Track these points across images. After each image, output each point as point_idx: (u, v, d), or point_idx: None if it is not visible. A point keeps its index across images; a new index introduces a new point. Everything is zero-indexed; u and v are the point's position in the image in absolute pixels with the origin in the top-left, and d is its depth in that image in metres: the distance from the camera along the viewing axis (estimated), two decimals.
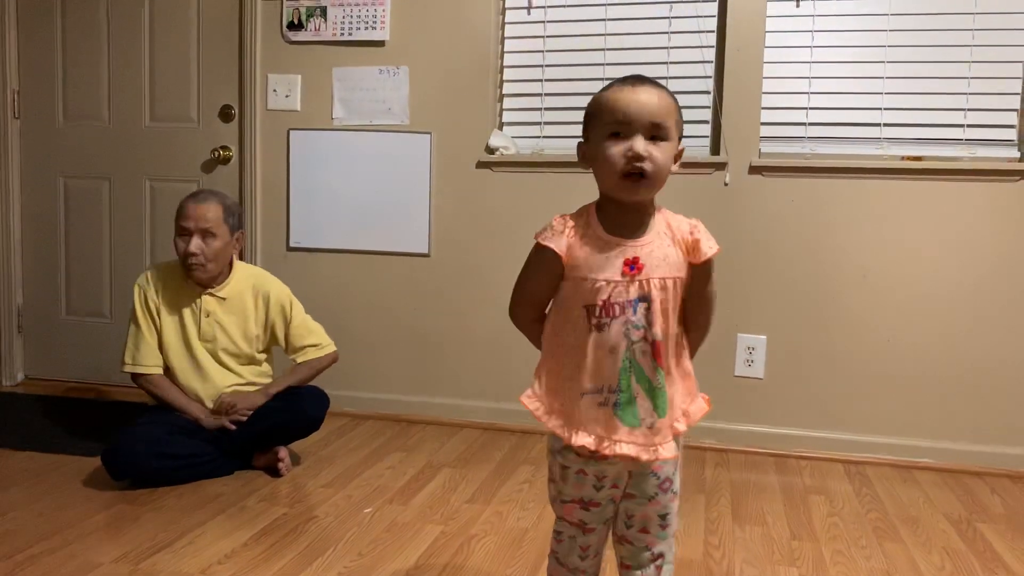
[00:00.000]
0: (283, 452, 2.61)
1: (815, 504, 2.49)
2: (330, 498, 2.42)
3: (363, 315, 3.33)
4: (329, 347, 2.79)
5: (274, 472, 2.60)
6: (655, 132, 1.30)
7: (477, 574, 1.97)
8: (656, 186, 1.32)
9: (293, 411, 2.62)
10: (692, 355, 1.43)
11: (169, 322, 2.65)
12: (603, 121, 1.32)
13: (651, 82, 1.33)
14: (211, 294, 2.66)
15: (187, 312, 2.65)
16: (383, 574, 1.95)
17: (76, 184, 3.60)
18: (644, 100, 1.30)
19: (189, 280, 2.64)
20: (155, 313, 2.64)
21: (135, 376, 2.65)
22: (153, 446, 2.43)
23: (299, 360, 2.75)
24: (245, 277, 2.73)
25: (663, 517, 1.42)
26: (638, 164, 1.28)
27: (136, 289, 2.66)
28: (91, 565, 1.95)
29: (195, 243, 2.55)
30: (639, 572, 1.45)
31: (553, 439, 1.42)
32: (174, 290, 2.66)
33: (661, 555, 1.44)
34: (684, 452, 1.46)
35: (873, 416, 2.92)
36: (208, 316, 2.65)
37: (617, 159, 1.29)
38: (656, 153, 1.29)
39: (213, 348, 2.66)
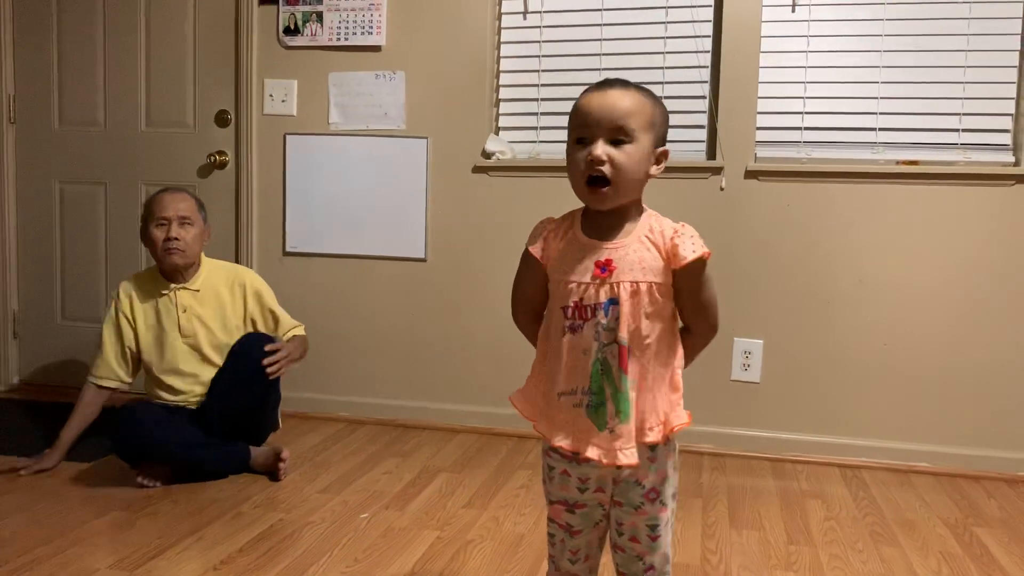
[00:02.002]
0: (285, 452, 2.62)
1: (812, 508, 2.49)
2: (326, 503, 2.42)
3: (359, 320, 3.33)
4: (299, 328, 2.86)
5: (274, 475, 2.60)
6: (617, 135, 1.28)
7: None
8: (621, 191, 1.30)
9: (244, 361, 2.64)
10: (689, 361, 1.42)
11: (147, 327, 2.69)
12: (571, 127, 1.33)
13: (622, 84, 1.32)
14: (184, 287, 2.69)
15: (164, 312, 2.69)
16: None
17: (72, 189, 3.60)
18: (606, 103, 1.28)
19: (161, 280, 2.70)
20: (131, 322, 2.69)
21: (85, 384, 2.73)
22: (157, 419, 2.51)
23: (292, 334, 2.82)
24: (215, 269, 2.78)
25: (652, 528, 1.40)
26: (598, 168, 1.27)
27: (110, 304, 2.73)
28: (87, 571, 1.94)
29: (175, 229, 2.63)
30: None
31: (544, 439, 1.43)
32: (148, 294, 2.71)
33: (653, 566, 1.42)
34: (680, 458, 1.45)
35: (870, 420, 2.92)
36: (185, 311, 2.68)
37: (579, 165, 1.29)
38: (618, 156, 1.28)
39: (195, 343, 2.68)
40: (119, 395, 2.82)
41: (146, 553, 2.05)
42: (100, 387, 2.70)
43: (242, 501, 2.42)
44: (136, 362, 2.74)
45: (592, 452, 1.32)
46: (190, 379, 2.68)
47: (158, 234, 2.63)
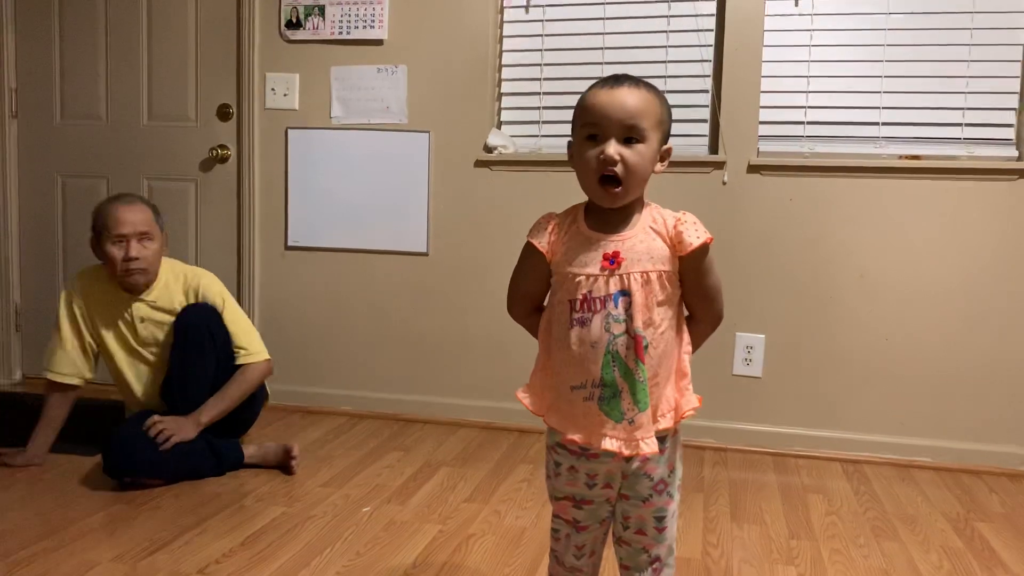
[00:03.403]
0: (296, 450, 2.61)
1: (813, 503, 2.49)
2: (328, 497, 2.42)
3: (361, 314, 3.33)
4: (260, 355, 2.66)
5: (287, 470, 2.60)
6: (629, 134, 1.29)
7: (475, 573, 1.97)
8: (631, 190, 1.31)
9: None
10: (696, 348, 1.42)
11: (107, 330, 2.62)
12: (580, 123, 1.33)
13: (631, 81, 1.32)
14: (141, 300, 2.61)
15: (123, 323, 2.62)
16: (381, 573, 1.95)
17: (74, 183, 3.60)
18: (618, 102, 1.29)
19: (118, 290, 2.60)
20: (87, 323, 2.62)
21: (47, 382, 2.63)
22: (150, 440, 2.42)
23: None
24: (174, 276, 2.67)
25: (659, 519, 1.41)
26: (611, 168, 1.28)
27: (63, 297, 2.62)
28: (89, 564, 1.94)
29: (135, 248, 2.51)
30: (638, 575, 1.44)
31: (549, 434, 1.43)
32: (104, 298, 2.62)
33: (659, 558, 1.43)
34: (683, 451, 1.46)
35: (871, 415, 2.92)
36: (143, 321, 2.61)
37: (591, 163, 1.30)
38: (630, 156, 1.29)
39: (157, 351, 2.63)
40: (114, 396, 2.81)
41: (148, 547, 2.05)
42: (65, 385, 2.61)
43: (244, 495, 2.42)
44: (96, 356, 2.67)
45: (610, 444, 1.32)
46: (157, 385, 2.64)
47: (116, 252, 2.50)
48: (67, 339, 2.62)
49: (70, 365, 2.61)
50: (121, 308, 2.62)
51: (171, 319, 2.61)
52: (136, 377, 2.66)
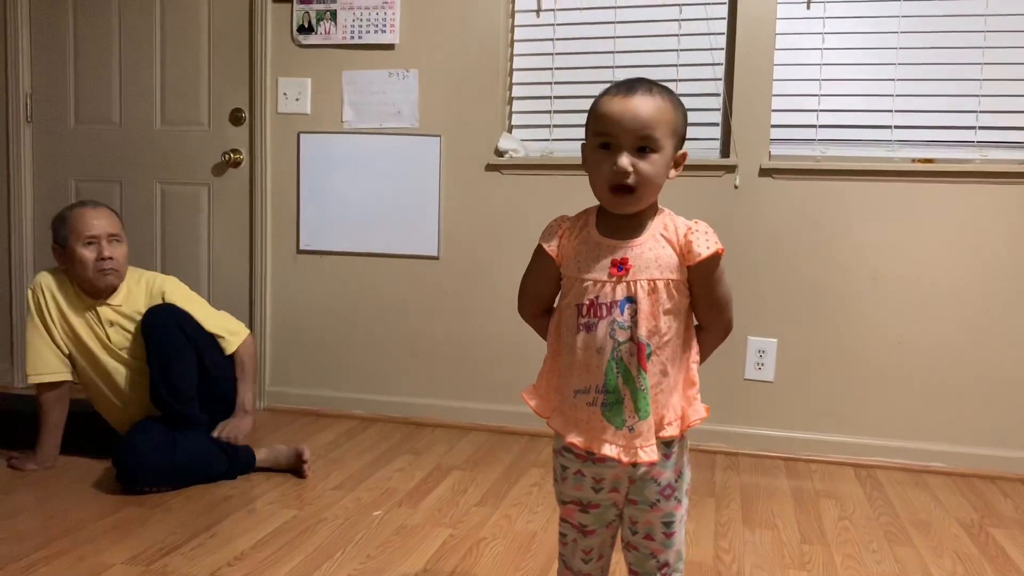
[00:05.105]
0: (307, 453, 2.62)
1: (825, 508, 2.48)
2: (339, 501, 2.43)
3: (372, 317, 3.34)
4: (243, 331, 2.77)
5: (299, 473, 2.61)
6: (643, 144, 1.28)
7: None
8: (644, 198, 1.31)
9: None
10: (704, 357, 1.42)
11: (80, 333, 2.62)
12: (593, 131, 1.32)
13: (645, 88, 1.30)
14: (107, 304, 2.63)
15: (91, 325, 2.62)
16: None
17: (87, 187, 3.62)
18: (632, 113, 1.27)
19: (84, 297, 2.62)
20: (59, 323, 2.61)
21: (37, 387, 2.63)
22: (161, 446, 2.45)
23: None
24: (135, 281, 2.70)
25: (667, 524, 1.40)
26: (623, 179, 1.28)
27: (31, 296, 2.62)
28: (101, 567, 1.95)
29: (107, 248, 2.56)
30: None
31: (556, 438, 1.43)
32: (71, 303, 2.63)
33: (667, 563, 1.42)
34: (693, 456, 1.45)
35: (884, 419, 2.90)
36: (112, 325, 2.63)
37: (603, 173, 1.30)
38: (644, 166, 1.28)
39: (130, 354, 2.64)
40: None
41: (161, 549, 2.06)
42: (52, 384, 2.61)
43: (255, 498, 2.43)
44: (69, 357, 2.66)
45: (609, 450, 1.32)
46: (133, 390, 2.64)
47: (87, 254, 2.55)
48: (44, 338, 2.61)
49: (53, 362, 2.61)
50: (88, 313, 2.63)
51: (137, 323, 2.63)
52: (119, 376, 2.65)
